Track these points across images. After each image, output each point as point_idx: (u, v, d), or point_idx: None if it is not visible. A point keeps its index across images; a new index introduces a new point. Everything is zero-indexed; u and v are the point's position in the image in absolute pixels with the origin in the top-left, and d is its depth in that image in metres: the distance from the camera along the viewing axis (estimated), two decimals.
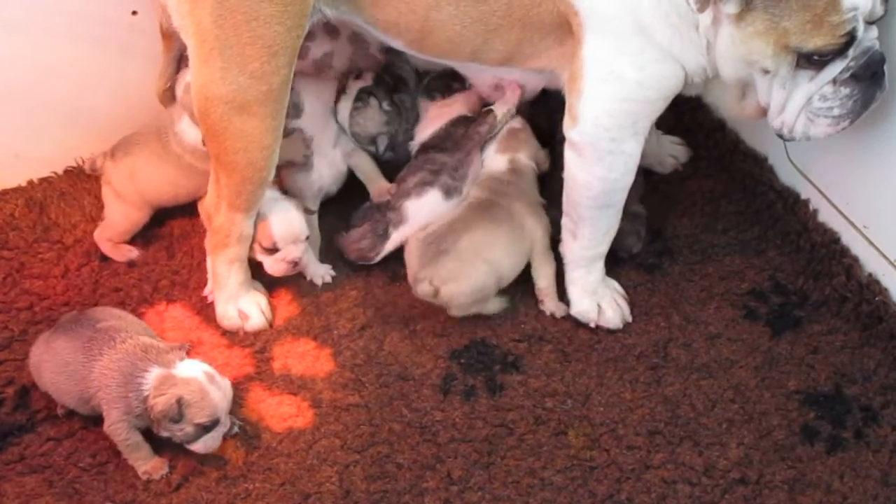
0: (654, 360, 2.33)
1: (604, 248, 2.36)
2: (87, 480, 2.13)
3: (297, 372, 2.32)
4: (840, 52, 1.96)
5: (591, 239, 2.33)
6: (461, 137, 2.51)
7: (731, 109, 2.18)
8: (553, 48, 2.18)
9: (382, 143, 2.59)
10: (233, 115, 2.18)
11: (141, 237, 2.59)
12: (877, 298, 2.35)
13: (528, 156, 2.53)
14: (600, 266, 2.40)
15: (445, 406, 2.25)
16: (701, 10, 1.94)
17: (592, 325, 2.38)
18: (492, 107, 2.52)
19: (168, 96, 2.50)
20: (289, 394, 2.28)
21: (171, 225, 2.62)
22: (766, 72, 2.01)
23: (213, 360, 2.32)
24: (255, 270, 2.47)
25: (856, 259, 2.42)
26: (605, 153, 2.18)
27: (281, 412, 2.25)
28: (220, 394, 2.10)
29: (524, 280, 2.46)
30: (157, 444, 2.15)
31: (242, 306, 2.40)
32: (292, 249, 2.40)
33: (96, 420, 2.16)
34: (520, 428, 2.21)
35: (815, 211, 2.50)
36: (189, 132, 2.47)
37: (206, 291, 2.46)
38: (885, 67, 2.03)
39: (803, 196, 2.55)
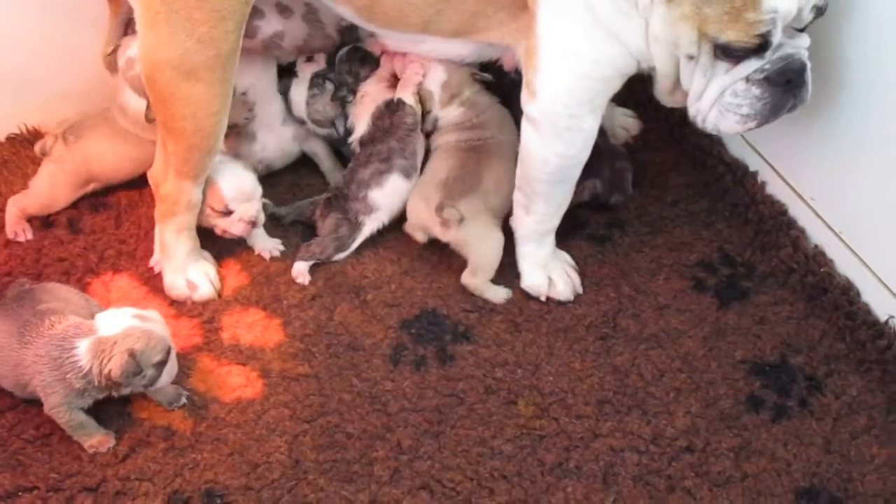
0: (604, 331, 2.37)
1: (556, 221, 2.39)
2: (31, 452, 2.13)
3: (247, 342, 2.33)
4: (755, 51, 2.00)
5: (544, 213, 2.35)
6: (391, 127, 2.54)
7: (663, 97, 2.21)
8: (507, 22, 2.20)
9: (341, 125, 2.62)
10: (180, 81, 2.17)
11: (88, 206, 2.58)
12: (822, 270, 2.41)
13: (468, 88, 2.57)
14: (551, 240, 2.43)
15: (396, 376, 2.28)
16: None
17: (543, 298, 2.41)
18: (401, 97, 2.54)
19: (112, 62, 2.50)
20: (238, 364, 2.29)
21: (119, 195, 2.61)
22: (690, 57, 2.05)
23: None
24: (205, 240, 2.46)
25: (802, 231, 2.48)
26: (563, 129, 2.20)
27: (230, 382, 2.26)
28: (158, 325, 2.09)
29: None
30: (104, 417, 2.15)
31: (191, 276, 2.40)
32: (247, 208, 2.41)
33: None
34: (470, 398, 2.24)
35: (764, 183, 2.56)
36: (132, 102, 2.46)
37: (153, 261, 2.45)
38: (807, 77, 2.06)
39: (752, 168, 2.60)
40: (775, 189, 2.54)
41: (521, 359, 2.32)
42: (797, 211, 2.49)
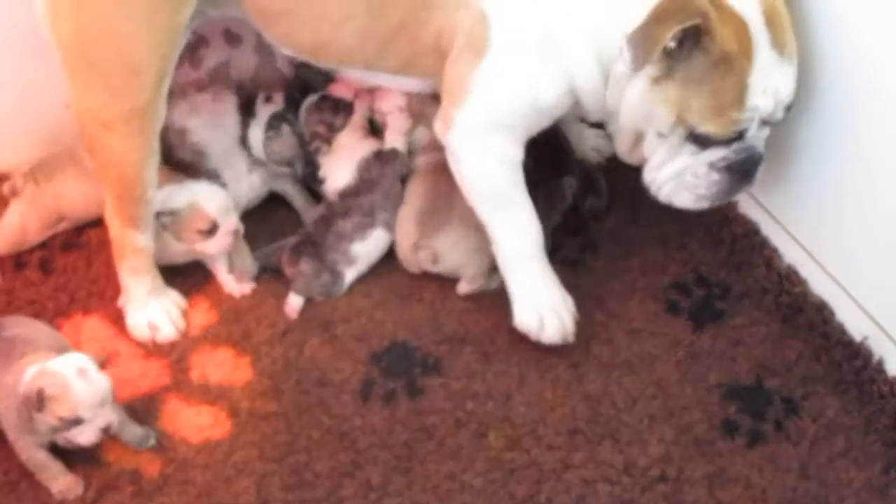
0: (576, 358, 2.36)
1: (525, 248, 2.33)
2: None
3: (216, 381, 2.33)
4: (727, 142, 2.08)
5: (502, 240, 2.31)
6: (379, 178, 2.54)
7: (621, 151, 2.26)
8: (440, 63, 2.21)
9: (300, 165, 2.62)
10: (98, 131, 2.18)
11: (60, 246, 2.59)
12: (796, 289, 2.39)
13: (429, 107, 2.55)
14: (537, 269, 2.36)
15: (365, 411, 2.27)
16: (636, 69, 2.01)
17: (533, 339, 2.35)
18: (391, 144, 2.55)
19: None
20: (206, 404, 2.28)
21: (90, 233, 2.61)
22: (661, 135, 2.11)
23: (129, 371, 2.32)
24: (175, 276, 2.47)
25: (775, 250, 2.47)
26: (478, 153, 2.23)
27: (198, 423, 2.25)
28: (88, 389, 2.05)
29: (449, 282, 2.48)
30: (71, 459, 2.15)
31: (152, 317, 2.40)
32: (231, 219, 2.43)
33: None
34: (440, 431, 2.23)
35: (736, 202, 2.54)
36: None
37: (120, 301, 2.46)
38: (760, 169, 2.15)
39: None
40: (747, 208, 2.53)
41: (492, 390, 2.30)
42: (769, 230, 2.48)
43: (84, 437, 2.09)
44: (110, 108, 2.15)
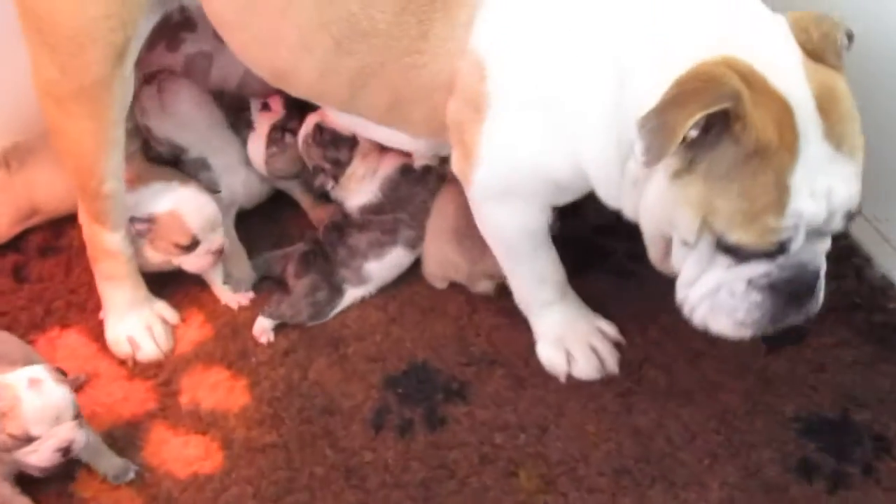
0: (626, 385, 2.16)
1: (545, 295, 2.17)
2: None
3: (208, 407, 2.18)
4: (767, 254, 1.72)
5: (519, 287, 2.17)
6: (409, 196, 2.34)
7: (652, 258, 1.93)
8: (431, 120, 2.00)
9: (308, 177, 2.43)
10: (52, 110, 2.11)
11: (36, 250, 2.46)
12: (892, 305, 2.17)
13: None
14: (558, 310, 2.19)
15: (377, 444, 2.11)
16: (649, 164, 1.68)
17: (562, 378, 2.17)
18: (425, 163, 2.35)
19: None
20: (196, 433, 2.15)
21: (71, 235, 2.46)
22: (686, 244, 1.78)
23: (110, 394, 2.20)
24: (164, 285, 2.34)
25: (868, 259, 2.27)
26: (497, 217, 2.06)
27: (186, 455, 2.11)
28: (37, 403, 1.92)
29: (478, 294, 2.32)
30: (42, 494, 2.02)
31: (132, 332, 2.25)
32: (214, 238, 2.27)
33: None
34: (462, 469, 2.06)
35: None
36: None
37: (102, 313, 2.30)
38: (818, 287, 1.80)
39: None
40: None
41: (525, 421, 2.13)
42: (862, 235, 2.27)
43: (37, 458, 1.94)
44: (59, 85, 2.06)
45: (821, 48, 1.69)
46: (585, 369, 2.17)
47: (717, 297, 1.79)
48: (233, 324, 2.33)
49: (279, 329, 2.29)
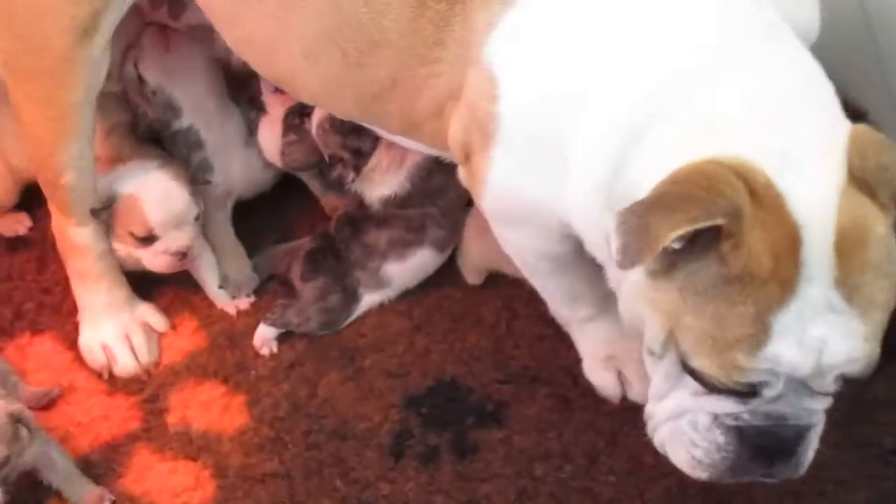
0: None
1: (581, 312, 1.97)
2: None
3: (199, 428, 2.04)
4: (736, 393, 1.51)
5: (550, 302, 2.00)
6: (441, 188, 2.13)
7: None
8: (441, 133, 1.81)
9: (327, 169, 2.23)
10: (12, 87, 1.98)
11: (4, 243, 2.31)
12: None
13: None
14: (603, 325, 1.99)
15: (396, 475, 1.96)
16: (623, 266, 1.46)
17: (615, 401, 1.99)
18: None
19: None
20: (185, 458, 2.00)
21: (44, 225, 2.27)
22: (652, 353, 1.57)
23: (88, 411, 2.06)
24: (152, 284, 2.19)
25: None
26: (512, 241, 1.88)
27: (173, 484, 1.97)
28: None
29: (518, 297, 2.13)
30: None
31: (107, 340, 2.09)
32: (177, 237, 2.08)
33: None
34: None
35: None
36: None
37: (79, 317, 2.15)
38: (801, 449, 1.58)
39: None
40: None
41: (572, 450, 1.96)
42: None
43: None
44: (17, 58, 1.93)
45: (873, 180, 1.43)
46: (643, 393, 1.90)
47: (678, 424, 1.59)
48: (230, 332, 2.18)
49: (283, 338, 2.14)
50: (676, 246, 1.43)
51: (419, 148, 1.96)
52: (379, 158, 2.13)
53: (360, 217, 2.14)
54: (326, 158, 2.16)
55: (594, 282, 1.90)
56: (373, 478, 1.96)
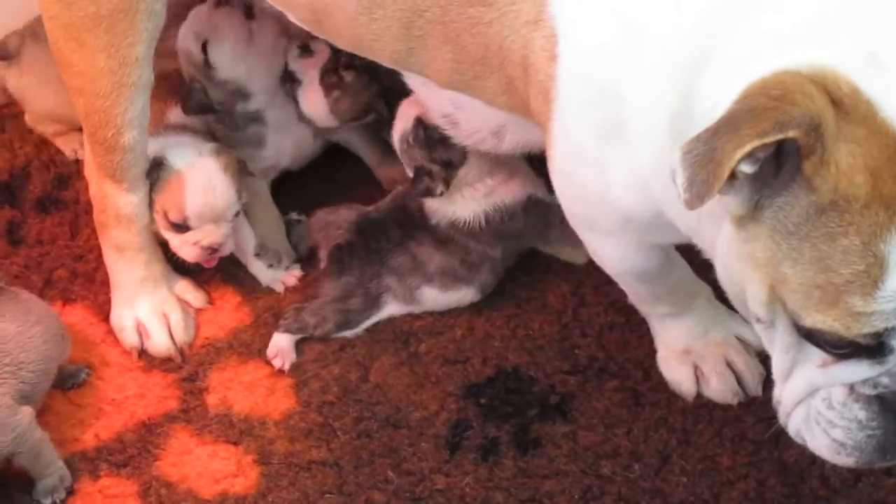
0: (772, 409, 1.76)
1: (663, 310, 1.94)
2: None
3: (241, 411, 2.01)
4: (865, 350, 1.36)
5: (632, 298, 1.95)
6: (513, 233, 2.09)
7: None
8: (499, 94, 1.71)
9: (381, 108, 2.19)
10: (62, 40, 1.93)
11: (35, 204, 2.32)
12: None
13: None
14: (686, 318, 1.94)
15: (452, 469, 1.93)
16: (691, 206, 1.31)
17: (689, 398, 1.94)
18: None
19: None
20: (227, 443, 1.98)
21: (78, 186, 2.27)
22: (759, 321, 1.44)
23: (122, 388, 2.02)
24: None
25: None
26: (596, 254, 1.84)
27: (213, 469, 1.94)
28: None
29: (589, 281, 2.11)
30: None
31: (142, 317, 2.05)
32: (211, 231, 2.06)
33: None
34: None
35: None
36: None
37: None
38: None
39: None
40: None
41: (642, 448, 1.93)
42: None
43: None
44: (72, 8, 1.87)
45: None
46: (720, 390, 1.91)
47: (810, 404, 1.46)
48: (276, 308, 2.16)
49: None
50: (748, 170, 1.28)
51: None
52: (468, 169, 2.07)
53: (417, 222, 2.09)
54: (408, 171, 2.10)
55: (678, 287, 1.86)
56: (427, 470, 1.94)
